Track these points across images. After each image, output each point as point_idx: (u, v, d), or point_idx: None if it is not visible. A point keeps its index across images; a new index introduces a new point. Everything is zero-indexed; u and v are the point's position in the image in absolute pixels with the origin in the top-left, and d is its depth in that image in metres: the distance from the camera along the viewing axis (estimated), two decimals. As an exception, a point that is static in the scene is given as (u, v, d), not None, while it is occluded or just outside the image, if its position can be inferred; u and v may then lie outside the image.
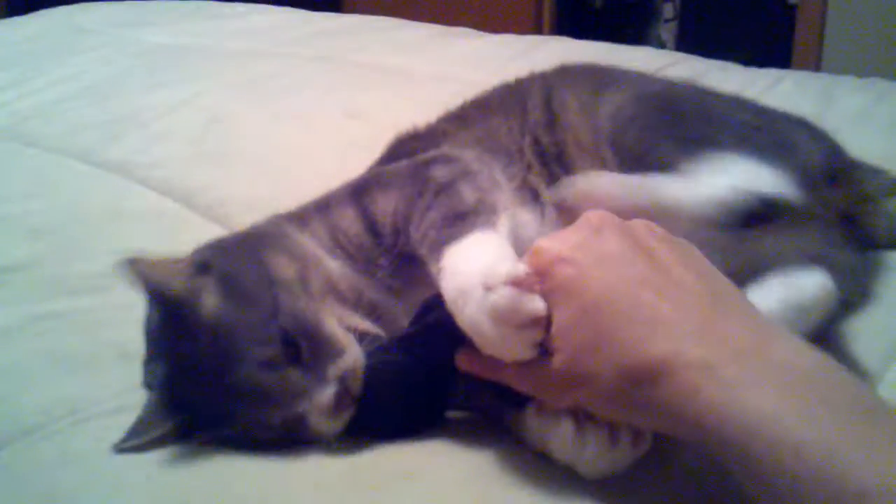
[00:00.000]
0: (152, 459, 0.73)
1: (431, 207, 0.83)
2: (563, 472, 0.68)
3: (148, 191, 1.33)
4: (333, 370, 0.75)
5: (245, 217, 1.00)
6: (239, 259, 0.82)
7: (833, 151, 1.00)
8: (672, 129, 0.95)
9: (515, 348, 0.66)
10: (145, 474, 0.72)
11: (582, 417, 0.66)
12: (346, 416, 0.75)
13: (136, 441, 0.74)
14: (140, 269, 0.76)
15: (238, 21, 2.34)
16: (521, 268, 0.65)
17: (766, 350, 0.57)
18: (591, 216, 0.69)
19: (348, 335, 0.78)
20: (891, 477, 0.48)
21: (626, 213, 0.71)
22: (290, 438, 0.75)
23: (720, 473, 0.60)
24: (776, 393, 0.54)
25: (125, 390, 0.81)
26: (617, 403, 0.62)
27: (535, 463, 0.70)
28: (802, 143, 0.97)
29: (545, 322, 0.65)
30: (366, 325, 0.80)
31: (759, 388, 0.55)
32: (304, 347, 0.75)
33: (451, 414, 0.80)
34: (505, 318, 0.64)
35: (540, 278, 0.65)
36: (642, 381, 0.59)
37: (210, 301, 0.76)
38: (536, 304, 0.64)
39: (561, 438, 0.67)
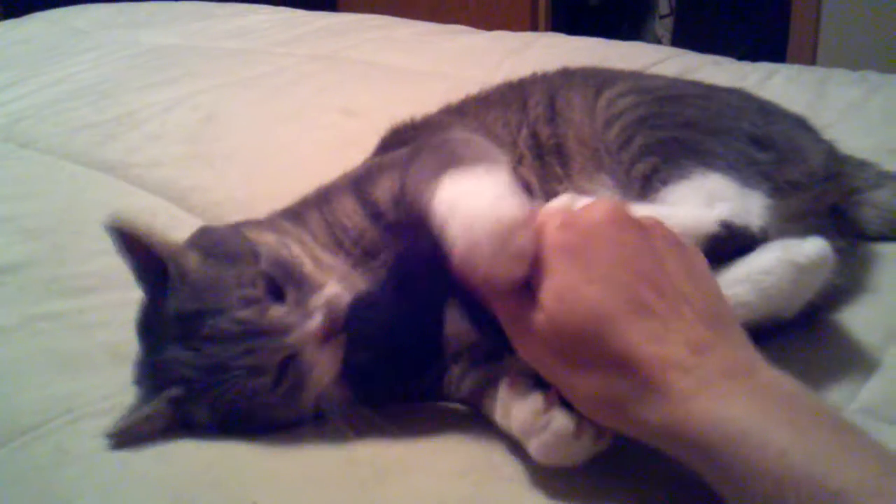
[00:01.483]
0: (147, 456, 0.74)
1: (428, 159, 0.82)
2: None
3: (142, 191, 1.33)
4: (317, 300, 0.76)
5: (239, 216, 1.00)
6: (218, 233, 0.84)
7: (830, 151, 1.00)
8: (671, 133, 0.94)
9: (495, 268, 0.65)
10: (140, 472, 0.73)
11: (554, 398, 0.66)
12: (339, 346, 0.76)
13: (125, 423, 0.75)
14: (123, 227, 0.77)
15: (233, 21, 2.34)
16: (530, 208, 0.66)
17: (755, 375, 0.59)
18: (603, 202, 0.68)
19: (327, 273, 0.79)
20: (866, 476, 0.51)
21: None
22: (288, 397, 0.75)
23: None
24: (763, 406, 0.56)
25: (119, 390, 0.81)
26: (597, 393, 0.63)
27: (529, 457, 0.69)
28: (807, 148, 0.97)
29: (531, 259, 0.65)
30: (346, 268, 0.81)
31: (745, 401, 0.57)
32: (286, 287, 0.76)
33: (444, 406, 0.80)
34: (503, 237, 0.64)
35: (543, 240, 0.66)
36: (633, 376, 0.60)
37: (193, 261, 0.78)
38: (531, 242, 0.65)
39: (526, 411, 0.67)
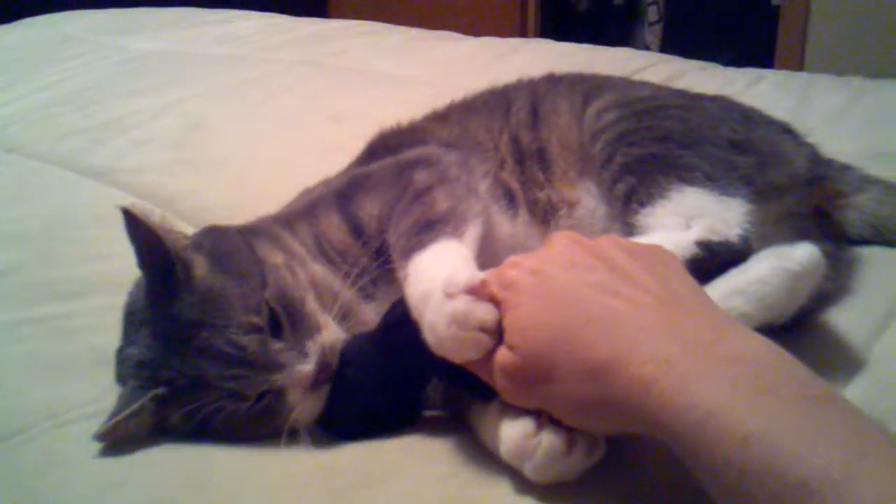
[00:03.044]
0: (132, 461, 0.74)
1: (406, 213, 0.86)
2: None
3: (130, 196, 1.32)
4: (313, 344, 0.77)
5: (225, 222, 1.00)
6: (230, 242, 0.85)
7: (814, 155, 1.01)
8: (653, 145, 0.95)
9: (464, 350, 0.68)
10: (125, 476, 0.73)
11: (544, 421, 0.67)
12: (323, 395, 0.77)
13: (113, 421, 0.75)
14: (138, 218, 0.77)
15: (222, 28, 2.34)
16: (479, 277, 0.68)
17: (719, 344, 0.58)
18: (557, 235, 0.72)
19: (326, 315, 0.81)
20: (832, 462, 0.50)
21: None
22: (263, 423, 0.76)
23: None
24: (726, 385, 0.55)
25: (104, 394, 0.81)
26: (576, 403, 0.63)
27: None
28: (789, 151, 0.98)
29: (496, 327, 0.67)
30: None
31: (711, 381, 0.56)
32: (286, 323, 0.77)
33: (426, 413, 0.80)
34: (459, 321, 0.67)
35: (506, 289, 0.67)
36: (599, 376, 0.60)
37: (201, 268, 0.79)
38: (488, 312, 0.67)
39: (516, 435, 0.67)
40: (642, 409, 0.58)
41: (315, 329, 0.79)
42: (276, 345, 0.76)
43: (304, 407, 0.77)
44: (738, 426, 0.53)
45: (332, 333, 0.79)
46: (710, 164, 0.91)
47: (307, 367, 0.76)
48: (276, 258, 0.83)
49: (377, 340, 0.78)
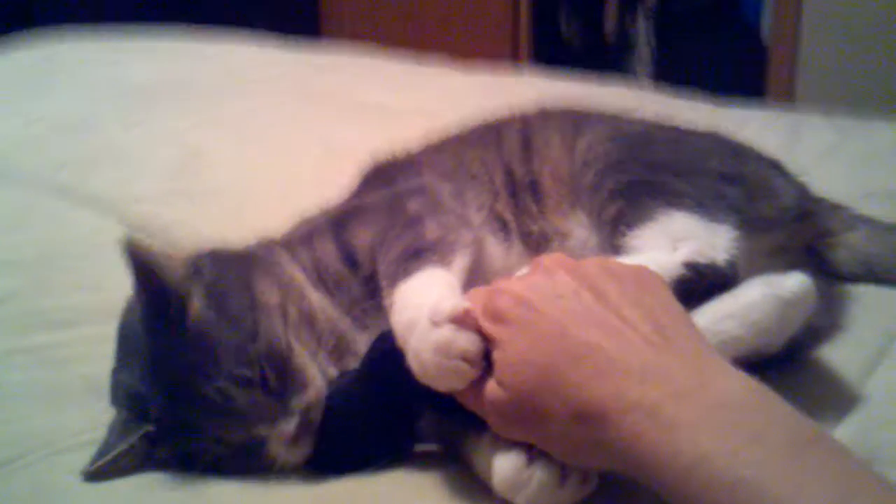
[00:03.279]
0: (123, 490, 0.74)
1: (396, 241, 0.87)
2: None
3: (123, 226, 1.33)
4: (297, 401, 0.77)
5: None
6: (229, 274, 0.85)
7: (803, 191, 1.02)
8: (644, 174, 0.96)
9: (447, 378, 0.68)
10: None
11: (536, 453, 0.67)
12: (306, 448, 0.77)
13: (103, 460, 0.75)
14: (138, 250, 0.77)
15: (217, 58, 2.35)
16: (463, 306, 0.69)
17: (706, 389, 0.59)
18: (544, 259, 0.72)
19: (314, 366, 0.80)
20: None
21: None
22: (245, 462, 0.76)
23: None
24: (712, 433, 0.56)
25: (97, 423, 0.81)
26: (566, 443, 0.64)
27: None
28: (779, 186, 0.99)
29: (480, 357, 0.67)
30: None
31: (697, 429, 0.56)
32: (272, 377, 0.77)
33: (418, 447, 0.80)
34: (442, 351, 0.67)
35: (496, 322, 0.68)
36: (586, 421, 0.60)
37: (197, 303, 0.78)
38: (471, 342, 0.67)
39: (508, 468, 0.68)
40: (630, 459, 0.58)
41: (301, 385, 0.78)
42: (263, 399, 0.76)
43: (288, 456, 0.77)
44: (725, 474, 0.53)
45: (316, 389, 0.79)
46: (699, 191, 0.92)
47: (288, 426, 0.76)
48: (272, 297, 0.83)
49: (362, 377, 0.78)
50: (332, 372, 0.82)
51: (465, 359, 0.67)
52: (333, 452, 0.77)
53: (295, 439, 0.76)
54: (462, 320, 0.68)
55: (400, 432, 0.78)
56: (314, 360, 0.81)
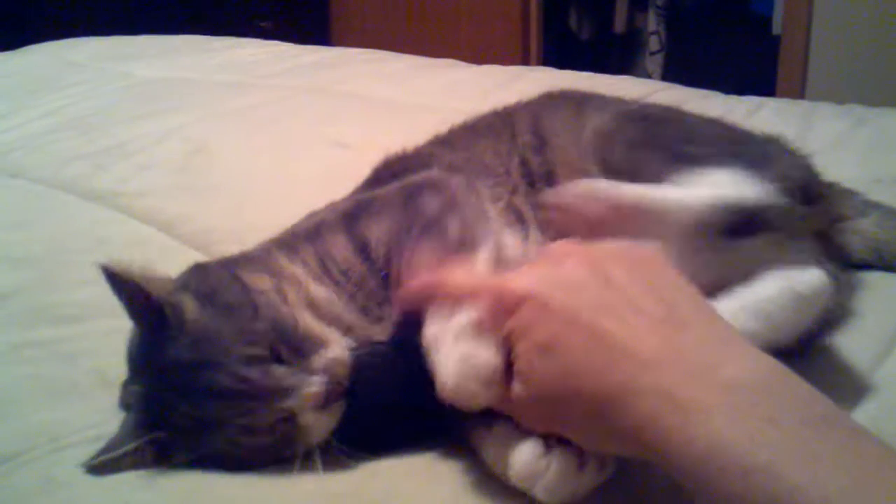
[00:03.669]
0: (131, 485, 0.73)
1: (418, 243, 0.84)
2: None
3: (131, 219, 1.34)
4: (318, 361, 0.76)
5: (227, 246, 1.00)
6: (216, 275, 0.83)
7: (809, 169, 1.01)
8: (654, 142, 0.96)
9: (470, 400, 0.68)
10: (123, 500, 0.72)
11: (553, 440, 0.66)
12: (338, 410, 0.76)
13: (107, 456, 0.74)
14: (118, 273, 0.76)
15: (225, 55, 2.36)
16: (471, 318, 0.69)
17: (720, 369, 0.58)
18: (554, 248, 0.72)
19: (329, 329, 0.79)
20: (833, 495, 0.50)
21: (613, 216, 0.75)
22: (279, 450, 0.74)
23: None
24: (726, 417, 0.55)
25: (105, 418, 0.81)
26: (587, 431, 0.63)
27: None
28: (781, 159, 0.98)
29: (500, 374, 0.67)
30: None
31: (710, 413, 0.55)
32: (283, 348, 0.76)
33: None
34: (462, 373, 0.67)
35: (506, 316, 0.67)
36: (604, 408, 0.60)
37: (190, 309, 0.77)
38: (490, 360, 0.67)
39: (526, 457, 0.67)
40: (648, 443, 0.57)
41: (319, 345, 0.77)
42: (280, 370, 0.74)
43: (320, 426, 0.75)
44: (740, 459, 0.53)
45: (338, 346, 0.77)
46: (714, 149, 0.92)
47: (314, 387, 0.74)
48: (263, 283, 0.82)
49: (391, 350, 0.78)
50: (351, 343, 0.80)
51: (482, 380, 0.67)
52: (364, 422, 0.76)
53: (324, 401, 0.74)
54: (478, 330, 0.68)
55: (429, 407, 0.77)
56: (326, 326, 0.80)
